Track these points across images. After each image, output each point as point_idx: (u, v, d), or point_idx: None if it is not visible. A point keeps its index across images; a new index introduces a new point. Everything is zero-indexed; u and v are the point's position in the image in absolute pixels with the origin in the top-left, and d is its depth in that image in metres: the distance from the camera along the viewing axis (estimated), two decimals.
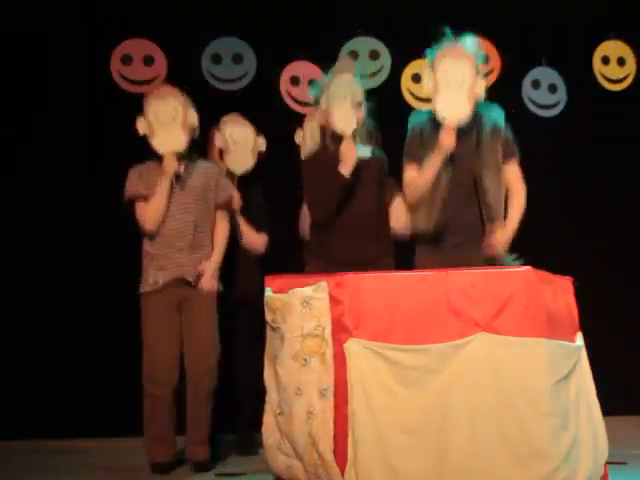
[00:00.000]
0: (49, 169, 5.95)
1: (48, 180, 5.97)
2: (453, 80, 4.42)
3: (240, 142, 5.16)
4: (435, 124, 4.46)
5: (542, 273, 3.83)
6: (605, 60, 6.60)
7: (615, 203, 6.67)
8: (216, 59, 6.19)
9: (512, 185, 4.61)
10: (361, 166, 4.56)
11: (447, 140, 4.35)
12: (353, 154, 4.47)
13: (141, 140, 4.79)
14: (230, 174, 5.11)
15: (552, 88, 6.57)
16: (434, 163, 4.40)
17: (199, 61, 6.17)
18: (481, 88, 4.46)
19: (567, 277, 4.04)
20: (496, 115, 4.62)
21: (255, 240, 5.17)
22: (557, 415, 3.66)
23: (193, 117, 4.76)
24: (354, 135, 4.56)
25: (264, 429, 4.12)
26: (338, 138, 4.55)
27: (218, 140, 5.14)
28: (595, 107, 6.57)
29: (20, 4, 6.00)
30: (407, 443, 3.67)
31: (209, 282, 4.82)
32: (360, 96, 4.58)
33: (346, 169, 4.48)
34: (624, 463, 4.53)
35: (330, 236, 4.59)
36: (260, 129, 5.37)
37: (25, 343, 5.99)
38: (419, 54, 6.26)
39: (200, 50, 6.20)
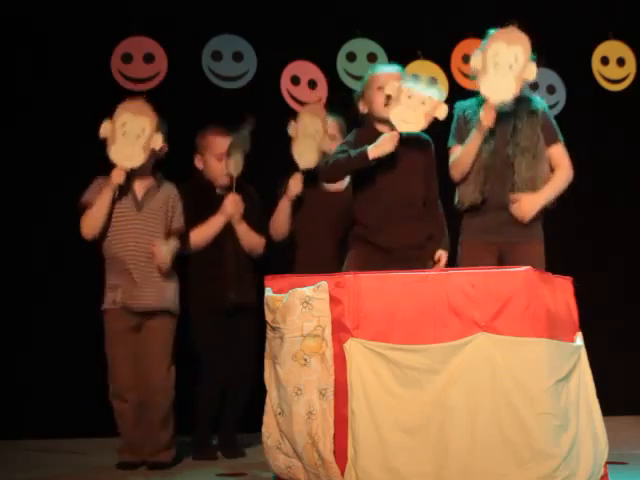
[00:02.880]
0: (48, 167, 5.92)
1: (45, 176, 5.94)
2: (503, 62, 4.55)
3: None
4: (479, 107, 4.62)
5: (542, 273, 3.84)
6: (604, 60, 6.60)
7: (615, 203, 6.66)
8: (216, 57, 6.16)
9: (557, 162, 4.78)
10: (404, 154, 4.55)
11: (487, 117, 4.49)
12: (390, 147, 4.45)
13: None
14: (228, 175, 5.06)
15: (551, 89, 6.57)
16: (475, 139, 4.59)
17: (199, 59, 6.13)
18: (531, 74, 4.57)
19: (567, 277, 4.03)
20: (537, 102, 4.77)
21: (257, 242, 5.13)
22: (557, 415, 3.66)
23: (158, 141, 4.70)
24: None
25: (264, 429, 4.10)
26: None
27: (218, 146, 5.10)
28: (594, 108, 6.56)
29: (19, 2, 5.97)
30: (407, 443, 3.67)
31: (163, 255, 4.75)
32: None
33: (374, 152, 4.44)
34: (624, 463, 4.52)
35: (374, 221, 4.57)
36: (260, 128, 5.37)
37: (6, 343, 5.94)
38: (416, 56, 6.36)
39: (200, 48, 6.17)
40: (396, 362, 3.72)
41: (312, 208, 5.03)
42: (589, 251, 6.47)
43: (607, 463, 3.91)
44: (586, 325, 4.04)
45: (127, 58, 6.03)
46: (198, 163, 5.18)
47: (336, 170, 4.56)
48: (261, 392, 4.15)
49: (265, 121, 5.37)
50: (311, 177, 4.98)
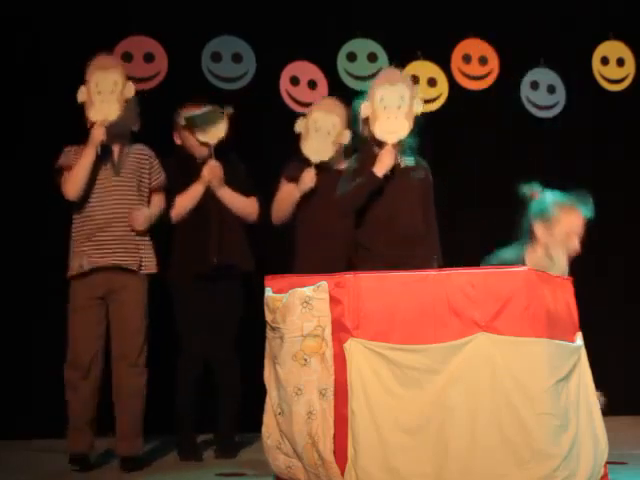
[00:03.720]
0: (44, 165, 5.91)
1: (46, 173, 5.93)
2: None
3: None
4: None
5: (542, 273, 3.84)
6: (604, 60, 6.61)
7: (615, 203, 6.66)
8: (216, 58, 6.17)
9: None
10: (405, 172, 4.63)
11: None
12: (390, 160, 4.50)
13: (140, 132, 4.85)
14: (204, 144, 5.06)
15: (551, 89, 6.58)
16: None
17: (199, 59, 6.14)
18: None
19: (567, 277, 4.05)
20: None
21: (245, 204, 5.11)
22: (557, 415, 3.66)
23: (130, 90, 4.70)
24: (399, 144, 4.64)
25: (264, 429, 4.11)
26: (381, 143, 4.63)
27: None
28: (594, 108, 6.58)
29: (19, 2, 5.97)
30: (407, 443, 3.68)
31: (140, 220, 4.73)
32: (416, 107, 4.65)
33: (380, 170, 4.50)
34: (624, 463, 4.52)
35: (380, 235, 4.64)
36: (260, 128, 5.37)
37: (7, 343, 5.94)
38: (416, 57, 6.37)
39: (200, 48, 6.17)
40: (396, 362, 3.73)
41: (318, 195, 5.02)
42: (589, 251, 6.46)
43: (607, 463, 3.91)
44: (586, 325, 4.03)
45: (127, 57, 6.03)
46: (176, 139, 5.19)
47: (352, 201, 4.64)
48: (261, 392, 4.14)
49: (264, 122, 5.38)
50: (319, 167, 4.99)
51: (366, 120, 4.69)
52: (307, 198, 5.00)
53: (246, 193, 5.13)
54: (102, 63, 4.73)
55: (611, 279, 6.58)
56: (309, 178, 4.96)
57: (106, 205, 4.69)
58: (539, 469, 3.59)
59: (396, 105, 4.65)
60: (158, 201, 4.87)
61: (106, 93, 4.65)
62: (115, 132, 4.72)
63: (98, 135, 4.64)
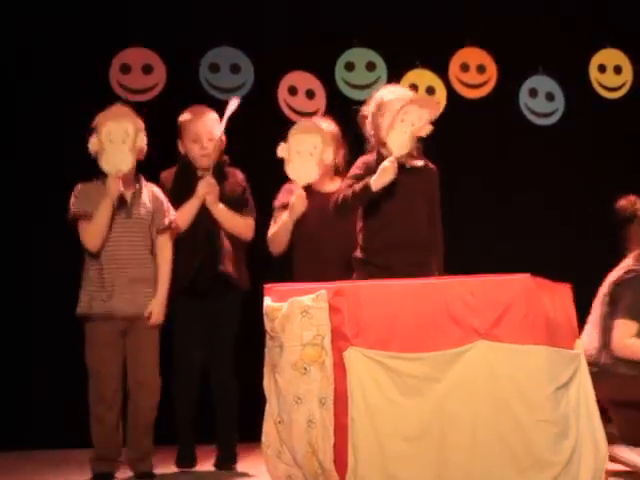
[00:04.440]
0: (38, 180, 5.94)
1: (31, 191, 5.96)
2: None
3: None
4: None
5: (541, 280, 3.84)
6: (602, 68, 6.64)
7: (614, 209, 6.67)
8: (214, 68, 6.19)
9: None
10: (410, 174, 4.57)
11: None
12: (390, 176, 4.46)
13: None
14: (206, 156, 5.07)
15: (549, 96, 6.61)
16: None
17: (197, 70, 6.17)
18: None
19: (566, 283, 4.06)
20: None
21: (239, 223, 5.10)
22: (557, 423, 3.67)
23: (142, 141, 4.71)
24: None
25: (264, 438, 4.10)
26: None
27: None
28: (593, 115, 6.61)
29: (18, 13, 5.99)
30: (407, 451, 3.68)
31: (159, 318, 4.79)
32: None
33: (376, 185, 4.45)
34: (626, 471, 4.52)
35: (377, 239, 4.61)
36: (258, 138, 5.39)
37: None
38: (414, 65, 6.40)
39: (199, 60, 6.20)
40: (396, 370, 3.73)
41: (310, 213, 5.01)
42: (590, 257, 6.47)
43: (607, 470, 3.92)
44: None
45: (126, 69, 6.05)
46: (180, 148, 5.19)
47: (345, 207, 4.56)
48: (261, 401, 4.14)
49: (263, 132, 5.39)
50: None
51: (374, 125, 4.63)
52: (300, 220, 5.01)
53: (242, 213, 5.12)
54: (114, 113, 4.72)
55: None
56: (298, 203, 4.96)
57: (119, 247, 4.72)
58: (540, 476, 3.60)
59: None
60: (165, 251, 4.86)
61: (118, 143, 4.64)
62: (127, 178, 4.74)
63: (115, 188, 4.66)
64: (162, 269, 4.81)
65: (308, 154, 4.95)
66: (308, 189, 5.00)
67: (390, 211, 4.55)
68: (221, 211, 5.04)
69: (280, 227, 5.07)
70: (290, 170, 4.98)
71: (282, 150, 5.00)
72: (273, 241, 5.12)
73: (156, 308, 4.77)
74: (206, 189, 5.00)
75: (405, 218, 4.55)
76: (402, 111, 4.45)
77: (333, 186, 4.97)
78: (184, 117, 5.12)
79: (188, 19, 6.13)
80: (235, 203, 5.10)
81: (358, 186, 4.48)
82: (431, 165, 4.67)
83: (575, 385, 3.85)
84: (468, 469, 3.63)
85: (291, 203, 4.98)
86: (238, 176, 5.19)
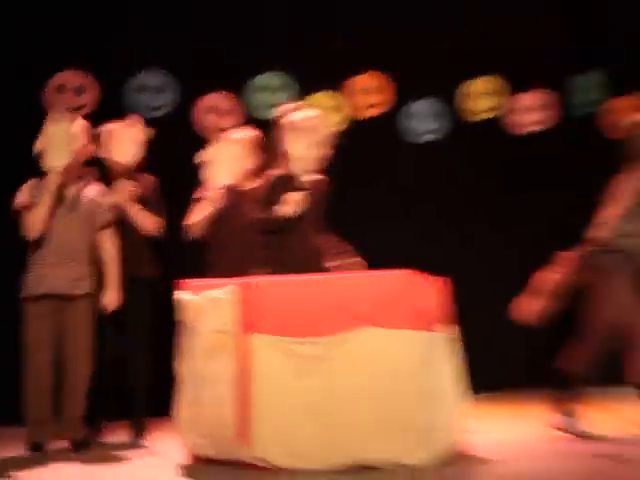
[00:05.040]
0: None
1: None
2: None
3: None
4: None
5: (418, 274, 3.99)
6: (476, 94, 6.76)
7: (482, 216, 6.80)
8: (141, 90, 6.21)
9: None
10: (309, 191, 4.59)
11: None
12: (299, 208, 4.46)
13: None
14: (125, 162, 5.14)
15: (431, 118, 6.70)
16: None
17: (126, 91, 6.18)
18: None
19: (440, 277, 4.14)
20: None
21: (151, 221, 5.13)
22: (424, 393, 3.85)
23: (81, 142, 4.82)
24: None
25: (178, 413, 4.21)
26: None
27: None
28: (469, 137, 6.71)
29: None
30: (301, 421, 3.80)
31: (113, 302, 4.86)
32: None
33: (285, 213, 4.46)
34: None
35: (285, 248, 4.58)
36: (178, 152, 5.44)
37: None
38: (320, 88, 6.44)
39: (127, 81, 6.20)
40: (294, 353, 3.86)
41: (229, 209, 5.08)
42: (470, 255, 6.51)
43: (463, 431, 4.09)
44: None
45: (61, 90, 6.04)
46: (99, 153, 5.18)
47: (263, 227, 4.57)
48: (173, 381, 4.25)
49: (183, 146, 5.43)
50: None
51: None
52: (218, 216, 5.06)
53: (154, 212, 5.15)
54: (57, 117, 4.82)
55: (492, 279, 6.53)
56: (216, 198, 5.03)
57: (59, 237, 4.77)
58: (413, 438, 3.78)
59: None
60: (108, 243, 4.90)
61: (59, 142, 4.73)
62: (71, 176, 4.81)
63: (53, 183, 4.74)
64: (107, 261, 4.86)
65: (228, 160, 5.04)
66: (230, 187, 5.06)
67: (292, 230, 4.54)
68: (134, 211, 5.07)
69: (199, 213, 5.08)
70: (211, 173, 5.05)
71: (205, 155, 5.10)
72: (192, 226, 5.12)
73: (110, 295, 4.82)
74: (121, 191, 5.04)
75: (303, 230, 4.56)
76: (308, 131, 4.53)
77: (251, 185, 4.98)
78: (107, 127, 5.17)
79: (119, 44, 6.09)
80: (147, 203, 5.13)
81: (271, 215, 4.47)
82: (323, 177, 4.69)
83: (441, 362, 4.01)
84: (352, 435, 3.78)
85: (210, 197, 5.03)
86: (150, 180, 5.23)
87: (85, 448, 4.71)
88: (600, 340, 4.64)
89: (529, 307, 4.86)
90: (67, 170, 4.78)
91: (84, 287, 4.81)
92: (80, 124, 4.86)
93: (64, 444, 4.76)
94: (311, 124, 4.56)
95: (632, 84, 6.64)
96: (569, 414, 4.62)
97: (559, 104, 6.89)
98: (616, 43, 6.62)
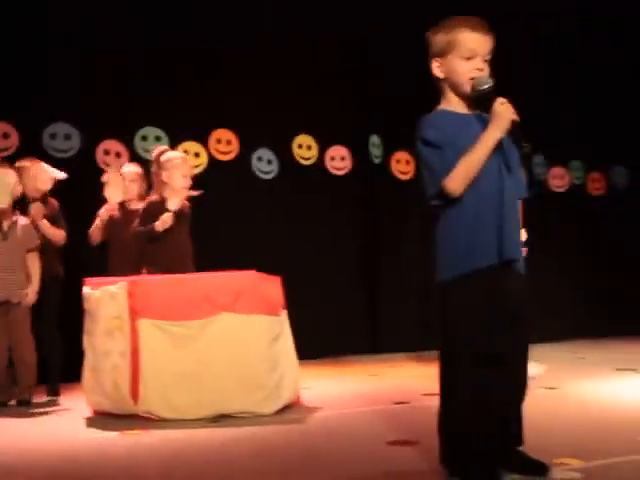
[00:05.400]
0: None
1: None
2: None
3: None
4: None
5: (261, 274, 3.91)
6: (300, 146, 6.77)
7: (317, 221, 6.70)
8: (53, 136, 5.91)
9: None
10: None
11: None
12: (168, 225, 4.34)
13: None
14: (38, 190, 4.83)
15: (269, 162, 6.64)
16: None
17: (42, 137, 5.86)
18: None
19: (277, 276, 4.08)
20: None
21: (56, 234, 4.82)
22: (270, 361, 3.78)
23: (19, 189, 4.56)
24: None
25: (83, 379, 4.02)
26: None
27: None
28: (295, 176, 6.66)
29: None
30: (177, 383, 3.70)
31: (32, 299, 4.56)
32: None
33: (160, 227, 4.33)
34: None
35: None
36: (83, 182, 5.22)
37: None
38: (187, 138, 6.32)
39: (42, 130, 5.88)
40: (171, 333, 3.74)
41: (121, 222, 4.90)
42: (298, 254, 6.50)
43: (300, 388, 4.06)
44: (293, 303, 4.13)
45: None
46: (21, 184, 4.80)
47: (140, 239, 4.42)
48: (81, 355, 4.05)
49: (86, 178, 5.22)
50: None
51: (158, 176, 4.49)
52: (113, 228, 4.92)
53: (58, 227, 4.87)
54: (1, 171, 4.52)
55: (317, 274, 6.56)
56: (105, 212, 4.94)
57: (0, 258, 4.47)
58: (260, 394, 3.70)
59: None
60: (33, 262, 4.59)
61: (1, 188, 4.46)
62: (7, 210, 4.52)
63: None
64: (33, 272, 4.57)
65: (123, 184, 4.95)
66: (122, 206, 4.95)
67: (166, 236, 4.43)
68: (44, 225, 4.77)
69: (96, 226, 4.94)
70: (107, 192, 4.95)
71: (105, 177, 4.99)
72: (91, 236, 4.97)
73: (31, 294, 4.52)
74: (34, 211, 4.74)
75: (174, 240, 4.46)
76: (177, 167, 4.43)
77: (139, 205, 4.80)
78: (24, 163, 4.85)
79: (37, 99, 5.77)
80: (53, 220, 4.83)
81: (148, 228, 4.36)
82: (187, 202, 4.55)
83: (282, 338, 3.96)
84: (217, 394, 3.68)
85: (103, 212, 4.94)
86: (54, 203, 4.94)
87: (28, 405, 4.45)
88: None
89: None
90: (6, 207, 4.50)
91: (20, 295, 4.50)
92: (14, 174, 4.56)
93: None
94: (179, 162, 4.48)
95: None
96: None
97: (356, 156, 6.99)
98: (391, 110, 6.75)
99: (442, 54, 2.39)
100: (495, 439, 2.35)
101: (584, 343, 6.88)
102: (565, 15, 7.20)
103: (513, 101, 2.36)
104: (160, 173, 4.46)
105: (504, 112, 2.31)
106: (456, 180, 2.30)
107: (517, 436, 2.42)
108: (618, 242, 7.52)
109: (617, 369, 4.92)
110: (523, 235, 4.79)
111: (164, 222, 4.33)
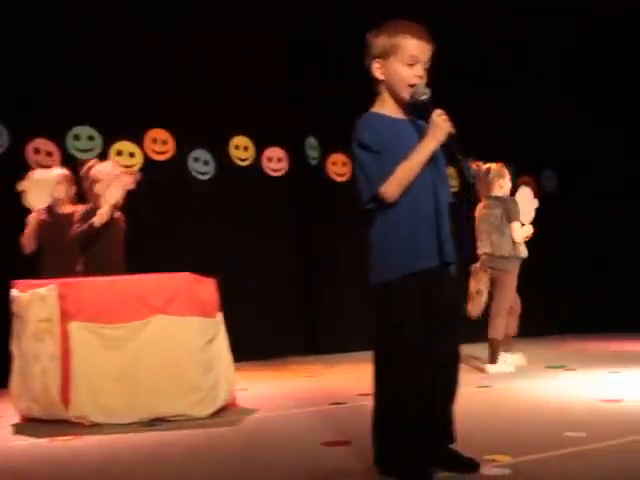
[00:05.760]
0: None
1: None
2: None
3: None
4: None
5: (196, 275, 3.88)
6: (237, 147, 6.74)
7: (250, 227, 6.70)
8: (77, 137, 5.92)
9: None
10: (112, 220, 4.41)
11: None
12: (106, 218, 4.32)
13: None
14: None
15: (206, 162, 6.61)
16: None
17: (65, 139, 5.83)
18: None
19: (212, 278, 4.05)
20: None
21: None
22: (205, 364, 3.74)
23: None
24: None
25: (11, 384, 3.90)
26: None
27: None
28: (232, 177, 6.63)
29: None
30: (110, 387, 3.63)
31: None
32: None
33: (97, 221, 4.30)
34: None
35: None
36: (12, 183, 5.07)
37: None
38: (121, 138, 6.21)
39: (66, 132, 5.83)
40: (104, 335, 3.66)
41: (51, 226, 4.79)
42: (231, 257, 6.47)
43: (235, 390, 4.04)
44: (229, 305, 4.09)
45: None
46: None
47: (80, 238, 4.34)
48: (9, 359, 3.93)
49: (14, 179, 5.06)
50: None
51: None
52: (43, 232, 4.79)
53: None
54: None
55: (246, 276, 6.58)
56: (33, 218, 4.81)
57: None
58: (195, 397, 3.65)
59: None
60: None
61: None
62: None
63: None
64: None
65: (45, 187, 4.76)
66: (50, 210, 4.80)
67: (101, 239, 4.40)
68: None
69: (27, 234, 4.79)
70: (27, 199, 4.79)
71: (22, 185, 4.79)
72: (24, 244, 4.82)
73: None
74: None
75: (108, 244, 4.43)
76: (108, 179, 4.37)
77: (68, 209, 4.73)
78: None
79: None
80: None
81: (86, 226, 4.33)
82: (120, 213, 4.54)
83: (216, 340, 3.93)
84: (150, 398, 3.63)
85: (32, 218, 4.80)
86: None
87: None
88: None
89: None
90: None
91: None
92: None
93: None
94: (111, 173, 4.42)
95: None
96: None
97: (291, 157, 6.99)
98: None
99: (384, 56, 2.42)
100: (427, 438, 2.39)
101: (519, 342, 7.06)
102: (502, 21, 7.37)
103: (445, 106, 2.42)
104: (92, 187, 4.40)
105: (441, 124, 2.37)
106: (392, 187, 2.35)
107: (449, 434, 2.47)
108: (548, 244, 7.75)
109: (547, 366, 5.07)
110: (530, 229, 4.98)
111: (102, 215, 4.29)
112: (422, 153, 2.36)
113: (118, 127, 6.16)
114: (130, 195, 4.55)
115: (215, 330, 3.92)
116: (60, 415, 3.62)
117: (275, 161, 6.91)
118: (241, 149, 6.75)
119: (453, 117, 2.40)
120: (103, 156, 5.97)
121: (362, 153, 2.40)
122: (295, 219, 6.97)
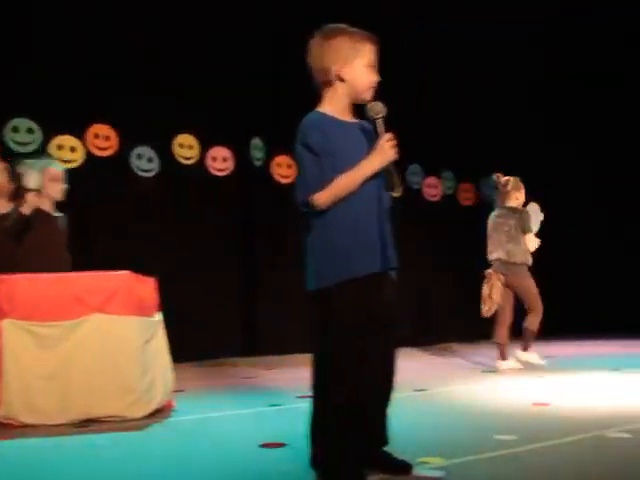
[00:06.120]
0: None
1: None
2: None
3: None
4: None
5: (135, 275, 3.82)
6: (181, 145, 6.64)
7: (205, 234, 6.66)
8: (15, 130, 5.75)
9: None
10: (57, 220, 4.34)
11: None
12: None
13: None
14: None
15: (150, 160, 6.50)
16: None
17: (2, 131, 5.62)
18: None
19: (151, 277, 4.00)
20: None
21: None
22: (141, 364, 3.68)
23: None
24: None
25: None
26: None
27: None
28: (175, 176, 6.53)
29: None
30: (42, 386, 3.55)
31: None
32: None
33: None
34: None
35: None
36: None
37: None
38: (61, 132, 6.07)
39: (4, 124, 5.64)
40: (38, 334, 3.58)
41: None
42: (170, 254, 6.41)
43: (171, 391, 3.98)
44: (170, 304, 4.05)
45: None
46: None
47: (14, 232, 4.22)
48: None
49: None
50: None
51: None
52: None
53: None
54: None
55: (192, 277, 6.52)
56: None
57: None
58: (130, 398, 3.59)
59: None
60: None
61: None
62: None
63: None
64: None
65: None
66: None
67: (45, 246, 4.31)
68: None
69: None
70: None
71: None
72: None
73: None
74: None
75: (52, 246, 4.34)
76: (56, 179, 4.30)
77: (8, 207, 4.50)
78: None
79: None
80: None
81: (15, 217, 4.21)
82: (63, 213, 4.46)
83: (155, 341, 3.87)
84: (84, 398, 3.56)
85: None
86: None
87: None
88: None
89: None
90: None
91: None
92: None
93: None
94: (58, 174, 4.35)
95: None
96: None
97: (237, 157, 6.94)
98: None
99: (347, 59, 2.44)
100: (362, 440, 2.41)
101: (460, 346, 7.19)
102: (443, 33, 7.50)
103: (389, 109, 2.45)
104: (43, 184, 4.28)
105: (387, 151, 2.40)
106: (325, 196, 2.38)
107: (382, 436, 2.49)
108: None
109: (483, 371, 5.17)
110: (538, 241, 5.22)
111: (30, 202, 4.19)
112: (362, 172, 2.40)
113: (59, 120, 6.02)
114: (71, 192, 4.47)
115: (153, 330, 3.86)
116: None
117: (220, 161, 6.85)
118: (186, 147, 6.68)
119: (398, 120, 2.43)
120: (42, 149, 5.84)
121: (305, 154, 2.41)
122: (238, 220, 6.94)
